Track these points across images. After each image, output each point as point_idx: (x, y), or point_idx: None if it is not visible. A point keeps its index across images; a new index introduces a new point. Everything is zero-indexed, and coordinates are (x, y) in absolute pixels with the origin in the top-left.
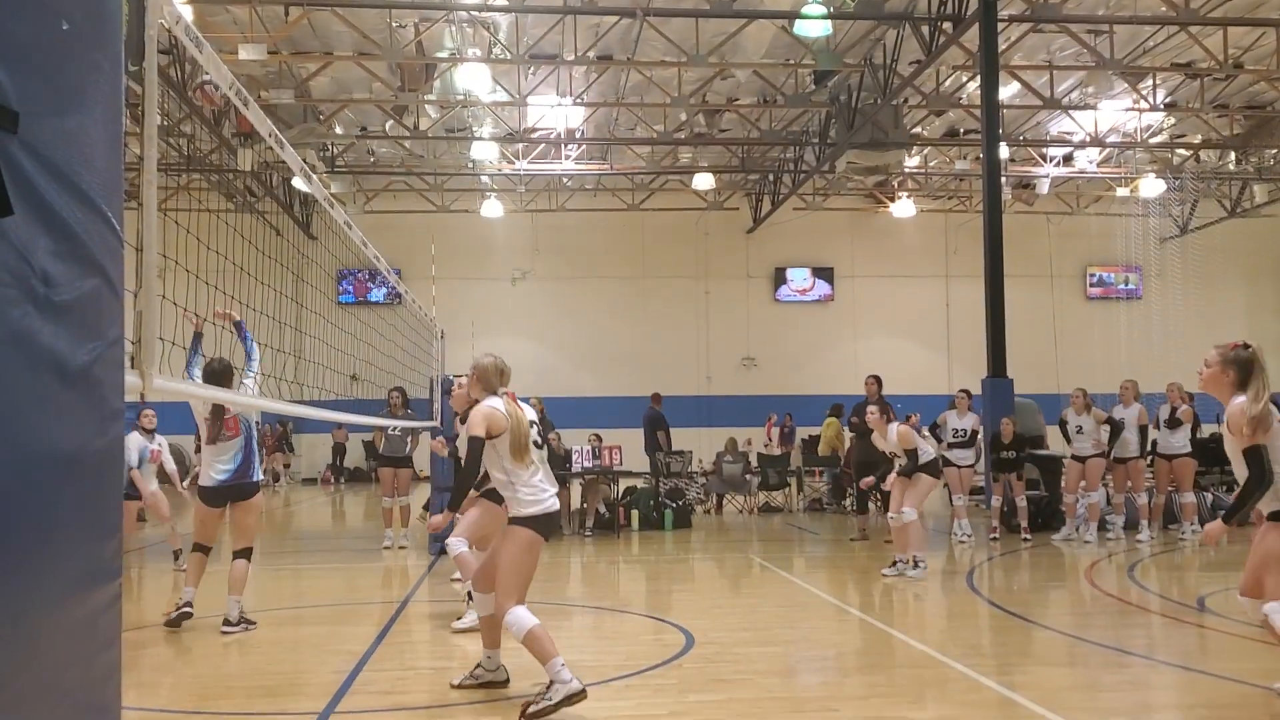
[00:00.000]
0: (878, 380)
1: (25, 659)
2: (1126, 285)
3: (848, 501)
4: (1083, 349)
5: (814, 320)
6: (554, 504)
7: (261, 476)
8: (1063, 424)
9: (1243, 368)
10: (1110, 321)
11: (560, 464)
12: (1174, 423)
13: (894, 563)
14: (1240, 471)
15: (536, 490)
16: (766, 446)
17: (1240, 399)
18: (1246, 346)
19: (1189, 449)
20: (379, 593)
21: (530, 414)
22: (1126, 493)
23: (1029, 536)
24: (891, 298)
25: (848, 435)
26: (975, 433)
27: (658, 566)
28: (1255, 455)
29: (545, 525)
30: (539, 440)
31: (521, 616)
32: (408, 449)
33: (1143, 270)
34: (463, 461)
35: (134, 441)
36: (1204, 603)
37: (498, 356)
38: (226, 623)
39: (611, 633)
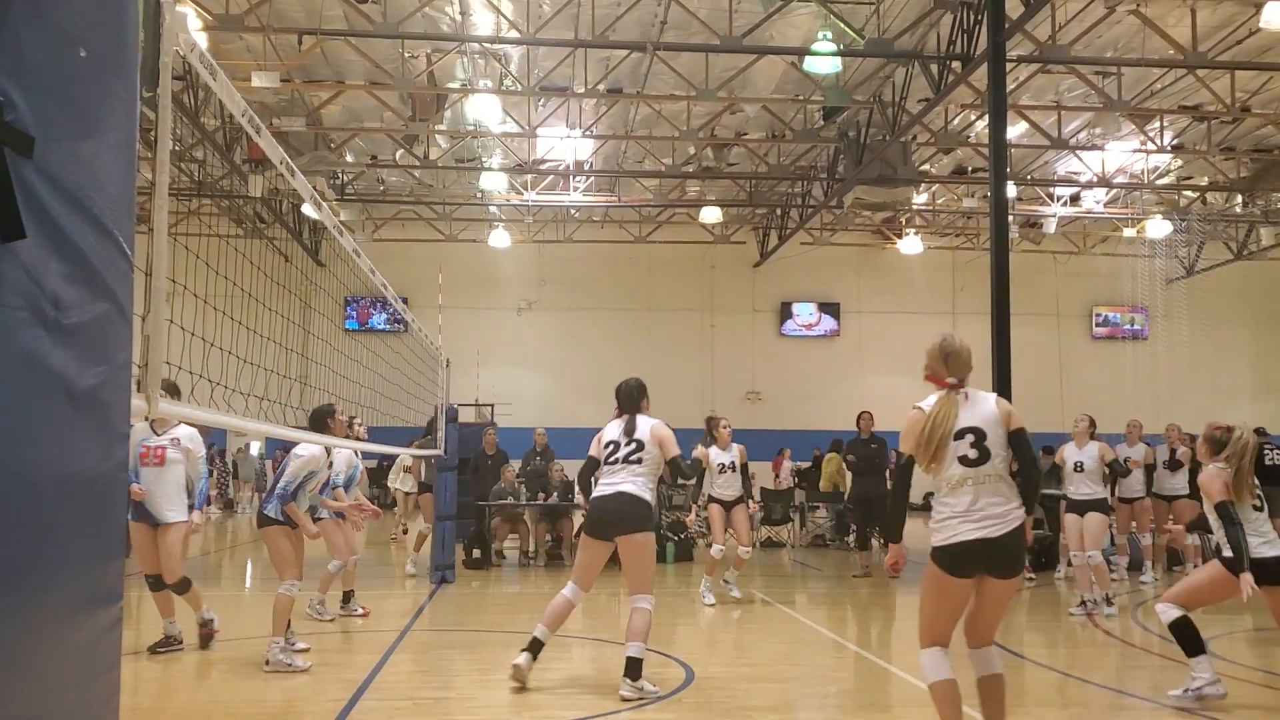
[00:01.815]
0: (870, 416)
1: (26, 680)
2: (1132, 325)
3: (850, 538)
4: (1088, 388)
5: (819, 355)
6: None
7: (277, 513)
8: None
9: (1218, 445)
10: (1116, 362)
11: (563, 494)
12: (1174, 464)
13: (1081, 602)
14: (1214, 523)
15: None
16: (777, 482)
17: (1213, 466)
18: (1229, 430)
19: (1189, 490)
20: (379, 621)
21: None
22: (1131, 533)
23: (1032, 576)
24: (897, 334)
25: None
26: None
27: (658, 599)
28: (1224, 510)
29: None
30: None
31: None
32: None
33: (1149, 311)
34: (892, 490)
35: (342, 460)
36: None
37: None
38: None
39: (611, 665)
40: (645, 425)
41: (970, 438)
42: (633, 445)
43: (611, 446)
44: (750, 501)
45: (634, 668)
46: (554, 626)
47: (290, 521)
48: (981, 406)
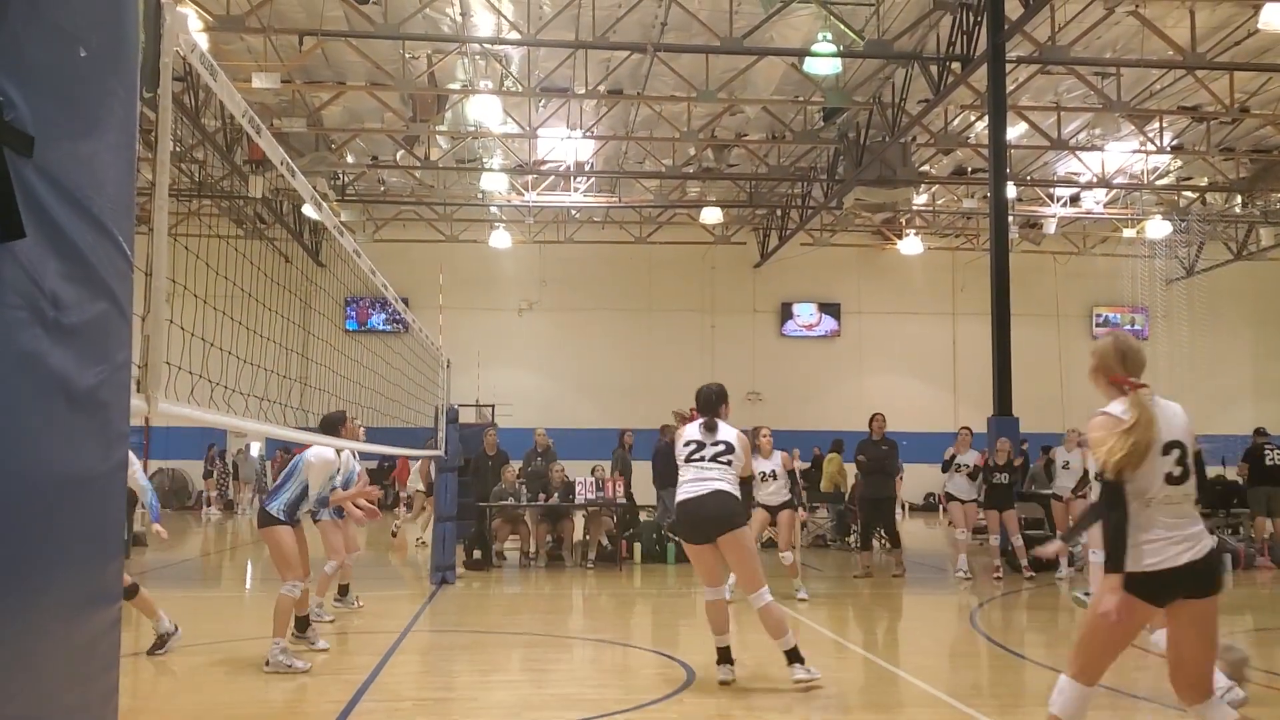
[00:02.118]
0: (883, 418)
1: (26, 679)
2: (1133, 326)
3: (851, 538)
4: (1088, 388)
5: (820, 356)
6: None
7: (283, 515)
8: (1049, 463)
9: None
10: None
11: (563, 495)
12: None
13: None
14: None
15: None
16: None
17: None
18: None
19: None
20: (380, 621)
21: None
22: None
23: (1033, 574)
24: (898, 334)
25: (851, 472)
26: (979, 468)
27: (660, 600)
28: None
29: None
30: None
31: None
32: None
33: (1149, 311)
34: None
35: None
36: None
37: None
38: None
39: (612, 666)
40: (730, 431)
41: (1176, 453)
42: (721, 446)
43: (694, 446)
44: (800, 507)
45: (795, 655)
46: (726, 628)
47: (292, 521)
48: (1174, 417)
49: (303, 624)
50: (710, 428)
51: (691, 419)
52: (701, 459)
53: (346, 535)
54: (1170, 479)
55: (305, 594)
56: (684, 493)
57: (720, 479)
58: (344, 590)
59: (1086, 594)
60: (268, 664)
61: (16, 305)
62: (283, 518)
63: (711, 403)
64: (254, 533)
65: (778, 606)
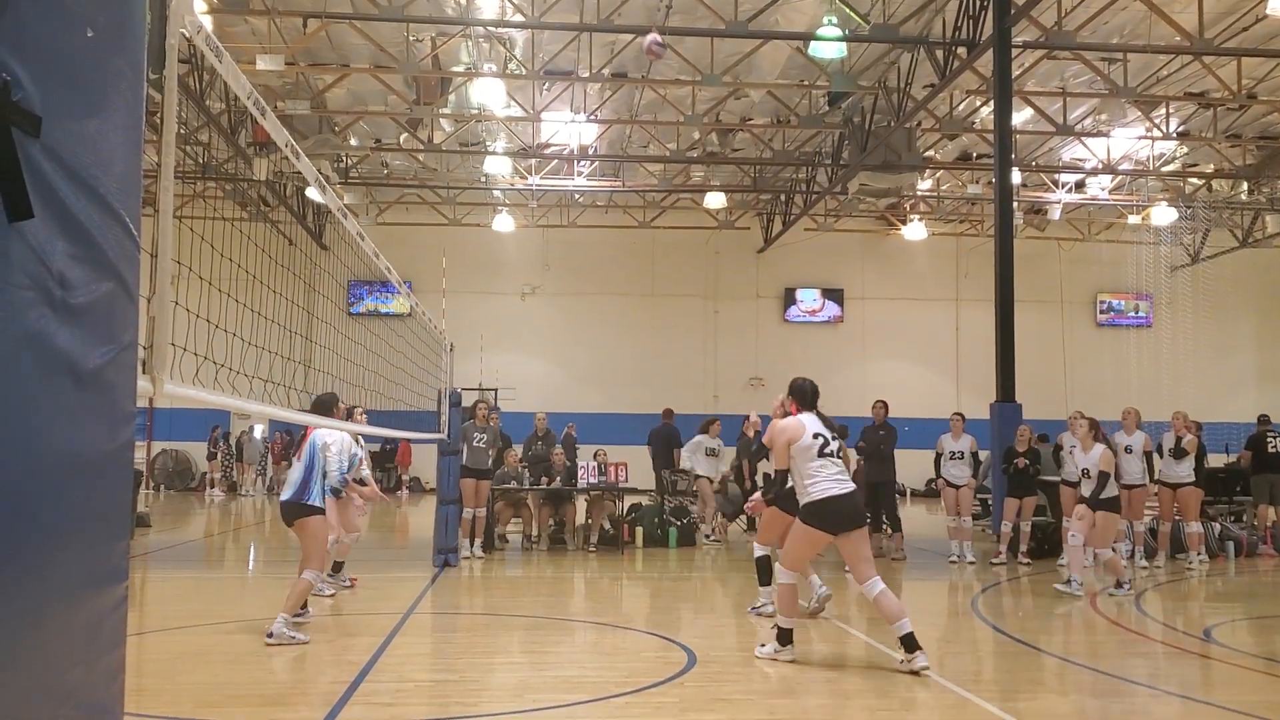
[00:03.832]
0: (885, 405)
1: (31, 657)
2: (1137, 313)
3: None
4: (1092, 376)
5: (823, 341)
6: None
7: (321, 502)
8: (1057, 449)
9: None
10: (1120, 349)
11: (566, 480)
12: (1179, 452)
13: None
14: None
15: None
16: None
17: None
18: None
19: (1193, 478)
20: (382, 603)
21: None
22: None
23: (1029, 561)
24: (901, 320)
25: (854, 457)
26: (974, 454)
27: (661, 584)
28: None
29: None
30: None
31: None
32: (489, 461)
33: (1153, 298)
34: None
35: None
36: (1210, 633)
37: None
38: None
39: (613, 649)
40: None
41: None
42: (838, 443)
43: (824, 440)
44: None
45: (911, 641)
46: (795, 610)
47: (322, 510)
48: None
49: (337, 566)
50: (828, 423)
51: (793, 412)
52: (832, 453)
53: (345, 516)
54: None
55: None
56: (831, 488)
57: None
58: (337, 567)
59: (1066, 583)
60: (271, 635)
61: (24, 285)
62: (320, 503)
63: (812, 396)
64: (259, 515)
65: (889, 591)
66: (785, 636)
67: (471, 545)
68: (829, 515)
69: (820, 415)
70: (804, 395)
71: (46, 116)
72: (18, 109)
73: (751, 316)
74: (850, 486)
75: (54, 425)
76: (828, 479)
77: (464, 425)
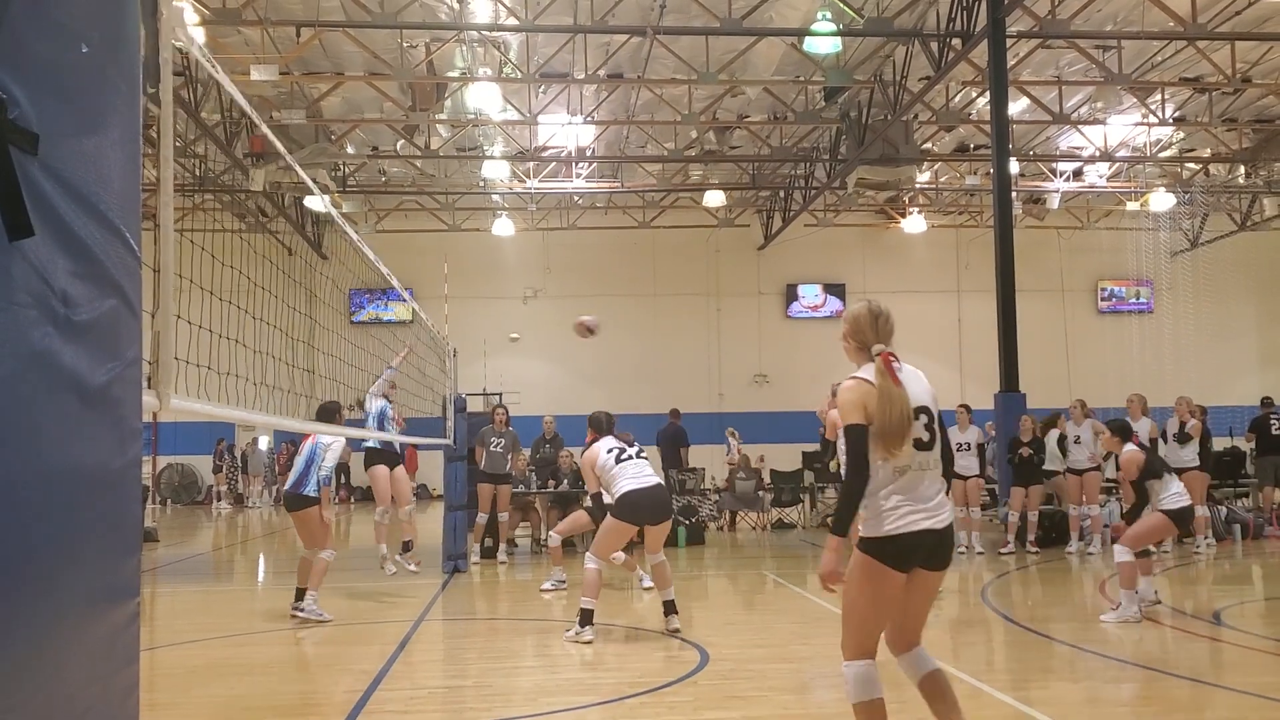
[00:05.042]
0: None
1: (46, 675)
2: (1138, 299)
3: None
4: (1095, 363)
5: (826, 336)
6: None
7: (316, 493)
8: (1060, 437)
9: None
10: (1122, 335)
11: (572, 482)
12: (1183, 437)
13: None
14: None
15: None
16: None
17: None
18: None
19: (1198, 463)
20: (392, 611)
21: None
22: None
23: (1036, 550)
24: (903, 313)
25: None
26: (982, 446)
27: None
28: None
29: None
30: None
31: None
32: (508, 466)
33: (1154, 284)
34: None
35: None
36: (1220, 616)
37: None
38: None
39: (626, 649)
40: None
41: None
42: (635, 447)
43: (618, 450)
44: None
45: (671, 605)
46: (597, 594)
47: (317, 500)
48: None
49: (407, 545)
50: (623, 439)
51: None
52: (630, 457)
53: (399, 488)
54: (920, 444)
55: (389, 526)
56: (631, 484)
57: None
58: (407, 546)
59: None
60: (301, 611)
61: (27, 304)
62: (314, 494)
63: (608, 424)
64: (265, 525)
65: (667, 565)
66: (586, 618)
67: (496, 549)
68: (630, 508)
69: (615, 435)
70: (599, 424)
71: (44, 134)
72: (15, 127)
73: (753, 313)
74: (652, 481)
75: (62, 443)
76: (628, 478)
77: (482, 430)
